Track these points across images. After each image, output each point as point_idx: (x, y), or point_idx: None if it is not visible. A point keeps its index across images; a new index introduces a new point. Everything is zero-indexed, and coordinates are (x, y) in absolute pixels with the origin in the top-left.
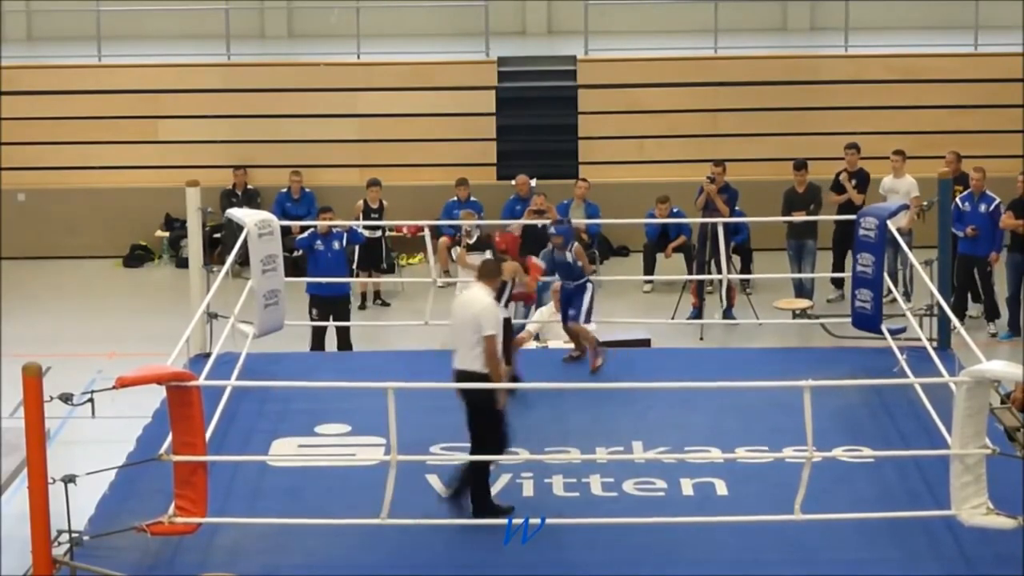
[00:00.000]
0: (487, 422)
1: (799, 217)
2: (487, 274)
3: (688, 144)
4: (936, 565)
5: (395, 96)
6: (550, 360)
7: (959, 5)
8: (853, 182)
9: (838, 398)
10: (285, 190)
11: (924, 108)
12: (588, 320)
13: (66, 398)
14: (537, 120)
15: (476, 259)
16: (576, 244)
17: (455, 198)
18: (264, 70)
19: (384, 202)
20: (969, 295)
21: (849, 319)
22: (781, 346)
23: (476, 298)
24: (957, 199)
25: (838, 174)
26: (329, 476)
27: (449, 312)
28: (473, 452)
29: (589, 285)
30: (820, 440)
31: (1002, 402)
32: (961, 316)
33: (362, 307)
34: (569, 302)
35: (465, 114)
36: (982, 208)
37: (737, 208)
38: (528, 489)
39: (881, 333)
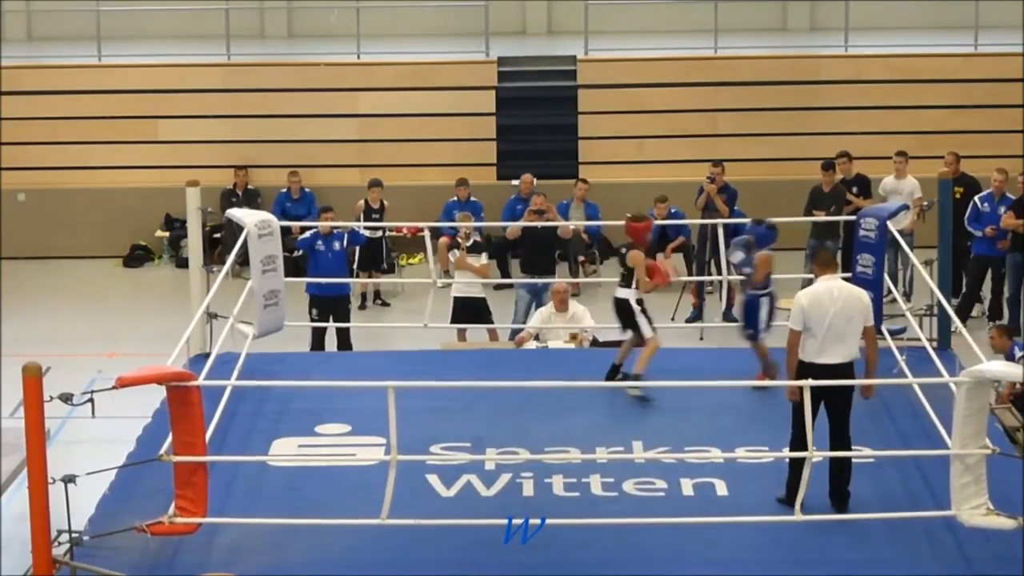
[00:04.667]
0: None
1: (807, 218)
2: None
3: (688, 144)
4: (936, 565)
5: (395, 96)
6: (550, 360)
7: (959, 5)
8: (855, 189)
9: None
10: (285, 190)
11: (924, 108)
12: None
13: (66, 398)
14: (537, 120)
15: (475, 260)
16: (763, 252)
17: (455, 198)
18: (264, 70)
19: (385, 202)
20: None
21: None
22: (781, 346)
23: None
24: (976, 199)
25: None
26: (329, 476)
27: (447, 312)
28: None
29: (765, 298)
30: (820, 440)
31: (998, 401)
32: (967, 316)
33: (362, 307)
34: (748, 312)
35: (465, 114)
36: (1002, 209)
37: (736, 208)
38: (528, 489)
39: (881, 334)
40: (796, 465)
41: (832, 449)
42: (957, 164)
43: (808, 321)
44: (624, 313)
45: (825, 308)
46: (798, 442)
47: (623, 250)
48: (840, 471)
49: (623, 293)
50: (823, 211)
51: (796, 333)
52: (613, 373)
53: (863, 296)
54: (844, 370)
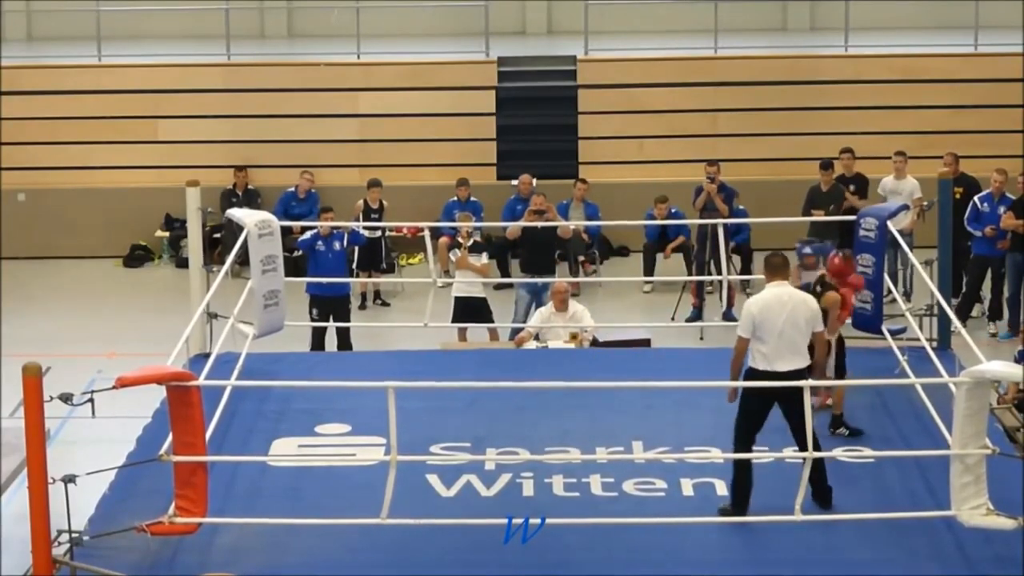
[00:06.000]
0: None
1: (805, 218)
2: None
3: (688, 144)
4: (936, 565)
5: (395, 96)
6: (550, 360)
7: (959, 5)
8: (852, 187)
9: None
10: (292, 189)
11: (924, 108)
12: None
13: (66, 398)
14: (537, 120)
15: (476, 260)
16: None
17: (455, 198)
18: (264, 70)
19: (384, 202)
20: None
21: (849, 320)
22: None
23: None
24: (976, 199)
25: (836, 180)
26: (329, 476)
27: (447, 312)
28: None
29: None
30: (820, 440)
31: (999, 402)
32: (967, 316)
33: (362, 307)
34: None
35: (465, 114)
36: (1001, 209)
37: (741, 207)
38: (528, 489)
39: (881, 334)
40: (741, 469)
41: (801, 451)
42: (956, 164)
43: (758, 329)
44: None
45: (776, 315)
46: (740, 445)
47: (818, 288)
48: (816, 472)
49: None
50: (822, 211)
51: (745, 340)
52: (837, 424)
53: (811, 302)
54: (796, 377)
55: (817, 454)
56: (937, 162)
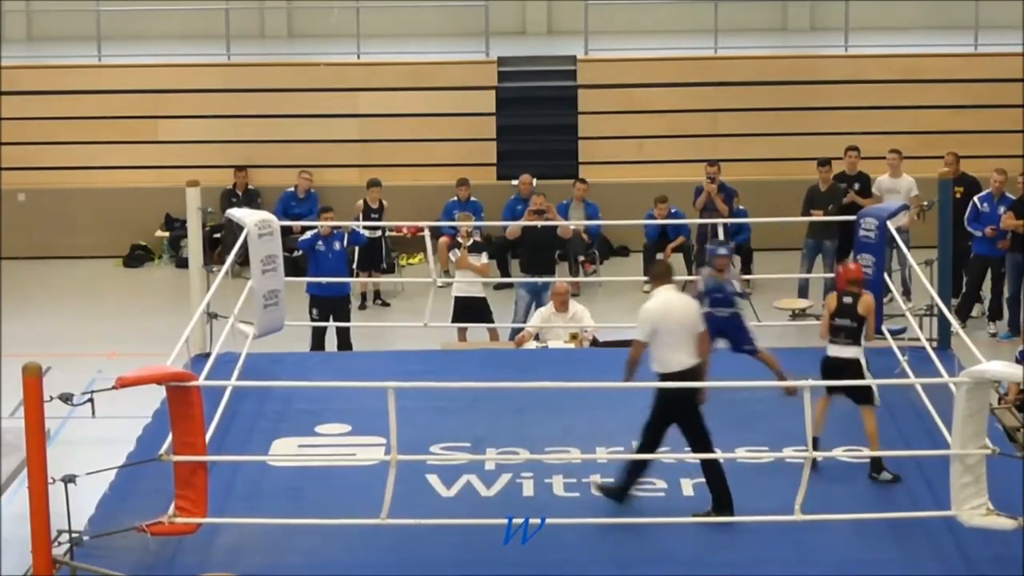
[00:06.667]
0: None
1: (805, 218)
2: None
3: (688, 144)
4: (936, 565)
5: (395, 96)
6: (550, 360)
7: (959, 5)
8: (856, 186)
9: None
10: (291, 189)
11: (924, 108)
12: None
13: (66, 398)
14: (537, 120)
15: (476, 260)
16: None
17: (455, 198)
18: (264, 70)
19: (384, 202)
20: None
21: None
22: (781, 346)
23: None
24: (975, 199)
25: (837, 178)
26: (329, 476)
27: (447, 312)
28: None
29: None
30: (820, 440)
31: (1000, 402)
32: (968, 316)
33: (362, 307)
34: (725, 333)
35: (465, 114)
36: (1001, 209)
37: (741, 207)
38: (528, 489)
39: (881, 334)
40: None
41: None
42: (957, 164)
43: (656, 332)
44: (855, 376)
45: (669, 318)
46: (649, 446)
47: (848, 299)
48: (711, 476)
49: (850, 352)
50: (821, 210)
51: (642, 344)
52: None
53: (694, 304)
54: (687, 376)
55: (817, 454)
56: (937, 162)
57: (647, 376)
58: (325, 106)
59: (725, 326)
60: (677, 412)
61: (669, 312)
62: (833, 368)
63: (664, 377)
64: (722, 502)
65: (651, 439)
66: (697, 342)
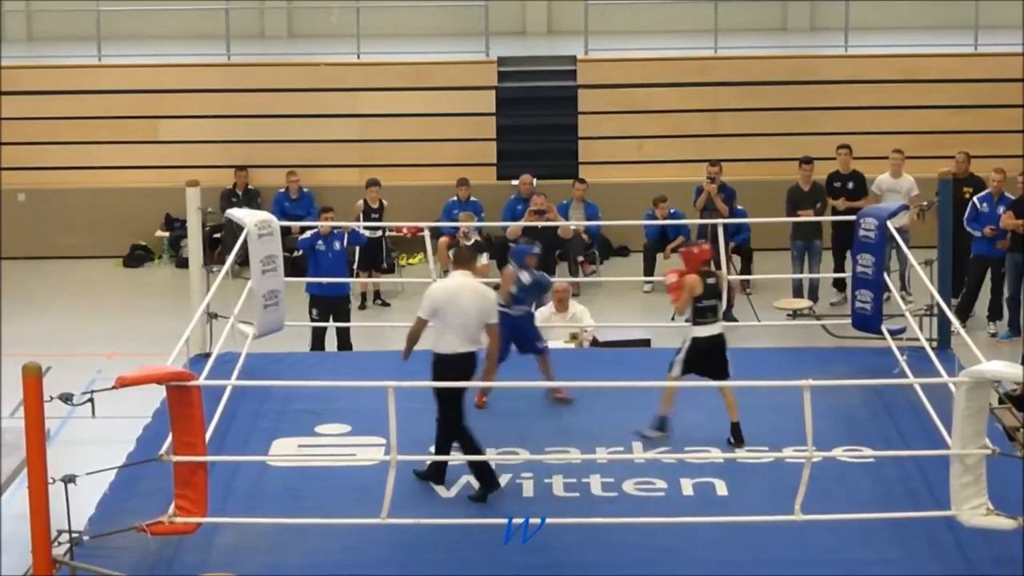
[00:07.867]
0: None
1: (806, 217)
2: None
3: (688, 144)
4: (936, 565)
5: (395, 96)
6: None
7: (959, 5)
8: (850, 184)
9: (838, 398)
10: (283, 190)
11: (924, 108)
12: None
13: (66, 398)
14: (537, 120)
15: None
16: (506, 268)
17: (455, 198)
18: (264, 70)
19: (384, 202)
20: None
21: (849, 319)
22: (781, 346)
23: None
24: (975, 199)
25: (831, 177)
26: (329, 476)
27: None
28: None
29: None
30: (820, 440)
31: (1000, 402)
32: (968, 316)
33: (362, 307)
34: (525, 333)
35: (465, 114)
36: (1001, 209)
37: (741, 207)
38: (528, 489)
39: (881, 334)
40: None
41: (438, 431)
42: (968, 164)
43: (442, 313)
44: (724, 351)
45: (457, 302)
46: (452, 431)
47: (711, 280)
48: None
49: (718, 329)
50: (808, 210)
51: (423, 321)
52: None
53: (490, 294)
54: (458, 361)
55: (819, 454)
56: (937, 162)
57: (626, 375)
58: (325, 106)
59: (518, 324)
60: (440, 392)
61: (455, 296)
62: (710, 348)
63: (435, 357)
64: (484, 479)
65: (448, 420)
66: (487, 332)
